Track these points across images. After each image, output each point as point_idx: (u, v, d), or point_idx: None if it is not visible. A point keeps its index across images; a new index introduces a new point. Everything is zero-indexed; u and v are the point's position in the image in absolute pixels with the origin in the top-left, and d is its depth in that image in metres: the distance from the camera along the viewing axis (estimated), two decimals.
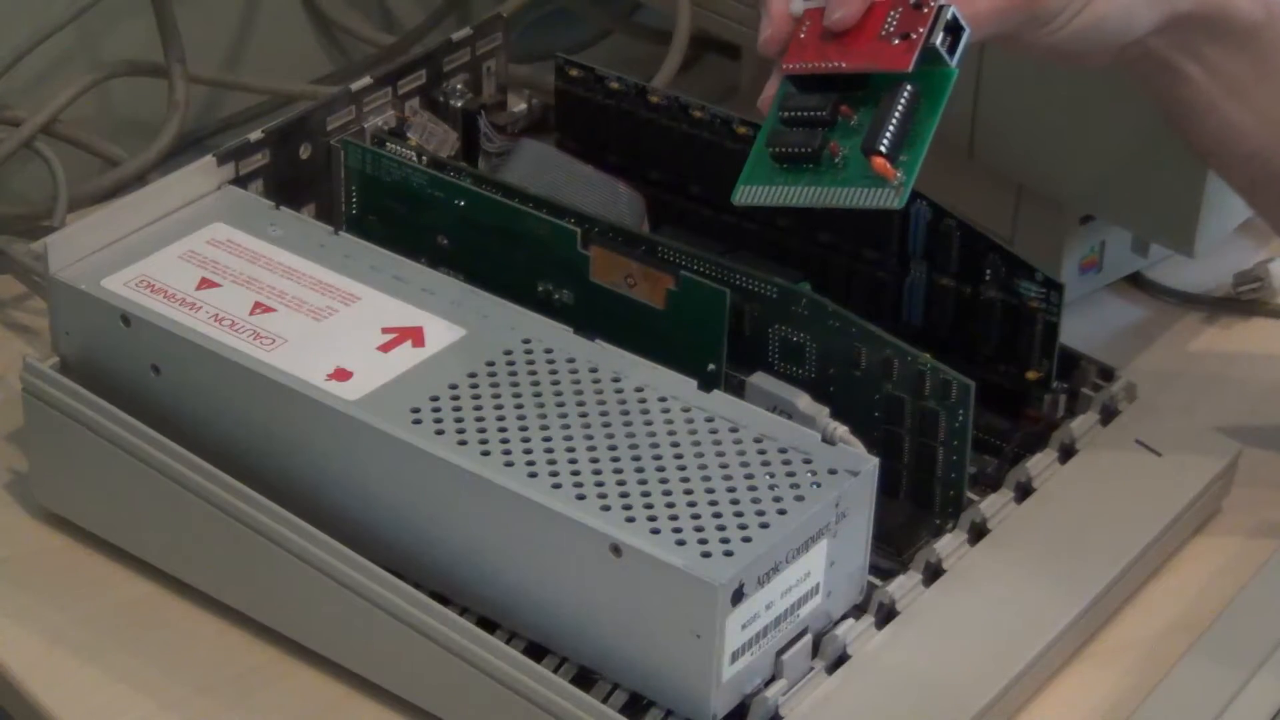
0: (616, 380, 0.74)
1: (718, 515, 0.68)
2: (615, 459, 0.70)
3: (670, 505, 0.69)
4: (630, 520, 0.68)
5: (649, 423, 0.72)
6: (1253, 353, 0.93)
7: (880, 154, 0.70)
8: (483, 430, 0.71)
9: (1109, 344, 0.91)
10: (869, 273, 0.84)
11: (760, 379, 0.76)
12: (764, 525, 0.68)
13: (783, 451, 0.71)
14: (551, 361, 0.75)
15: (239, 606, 0.76)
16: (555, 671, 0.69)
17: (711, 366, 0.77)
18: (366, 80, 0.89)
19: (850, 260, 0.85)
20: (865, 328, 0.76)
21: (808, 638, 0.71)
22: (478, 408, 0.72)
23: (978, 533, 0.77)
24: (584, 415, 0.72)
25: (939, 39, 0.71)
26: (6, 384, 0.86)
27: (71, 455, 0.78)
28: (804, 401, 0.74)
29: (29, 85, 1.02)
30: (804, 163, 0.72)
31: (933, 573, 0.75)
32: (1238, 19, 0.77)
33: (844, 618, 0.73)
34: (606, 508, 0.68)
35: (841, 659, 0.72)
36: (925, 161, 0.88)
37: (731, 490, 0.69)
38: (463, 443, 0.71)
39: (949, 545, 0.76)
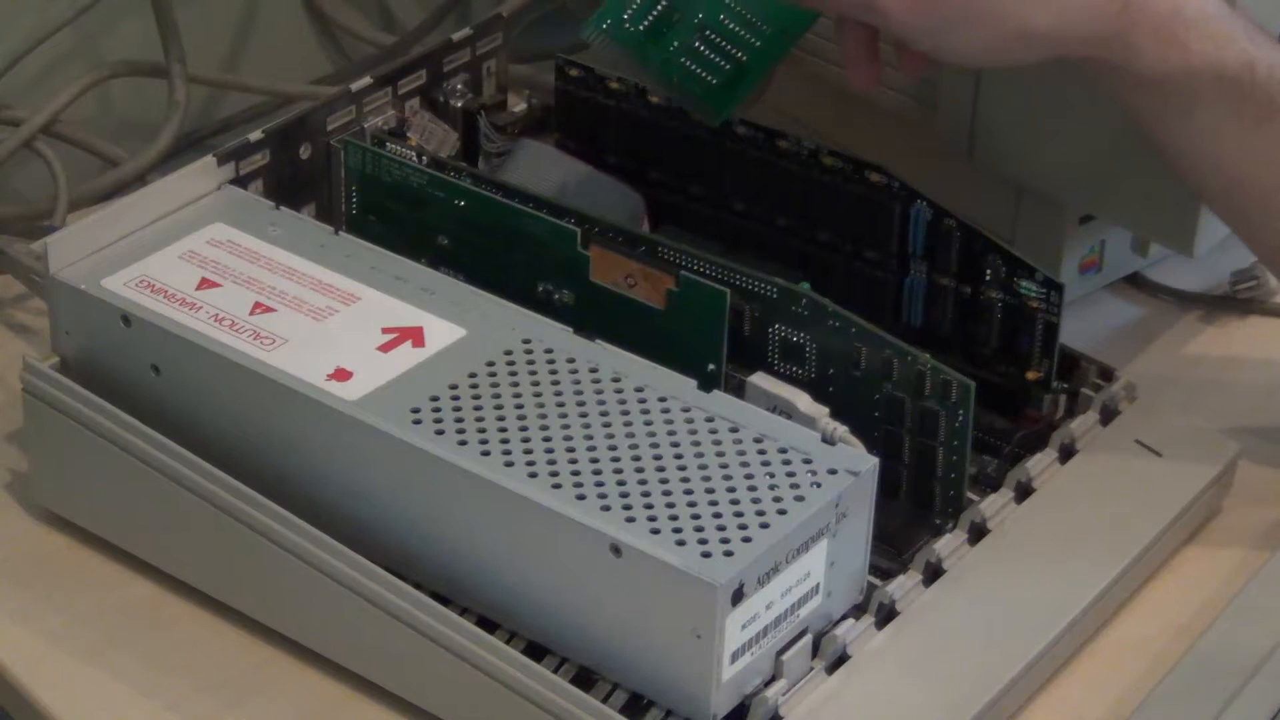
0: (616, 380, 0.74)
1: (718, 515, 0.68)
2: (615, 459, 0.70)
3: (670, 505, 0.69)
4: (630, 520, 0.68)
5: (649, 423, 0.72)
6: (1252, 352, 0.93)
7: None
8: (483, 430, 0.71)
9: (1109, 344, 0.90)
10: (869, 273, 0.84)
11: (760, 379, 0.76)
12: (764, 525, 0.68)
13: (783, 451, 0.71)
14: (551, 361, 0.75)
15: (239, 606, 0.76)
16: (555, 671, 0.69)
17: (711, 366, 0.77)
18: (366, 80, 0.89)
19: (850, 260, 0.85)
20: (865, 328, 0.76)
21: (808, 638, 0.71)
22: (478, 408, 0.72)
23: (978, 533, 0.77)
24: (584, 415, 0.72)
25: None
26: (6, 384, 0.86)
27: (71, 455, 0.78)
28: (804, 401, 0.74)
29: (29, 85, 1.02)
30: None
31: (933, 573, 0.75)
32: (1138, 70, 0.77)
33: (844, 618, 0.73)
34: (606, 508, 0.68)
35: (841, 659, 0.72)
36: (925, 160, 0.89)
37: (731, 490, 0.69)
38: (463, 443, 0.71)
39: (949, 545, 0.76)
